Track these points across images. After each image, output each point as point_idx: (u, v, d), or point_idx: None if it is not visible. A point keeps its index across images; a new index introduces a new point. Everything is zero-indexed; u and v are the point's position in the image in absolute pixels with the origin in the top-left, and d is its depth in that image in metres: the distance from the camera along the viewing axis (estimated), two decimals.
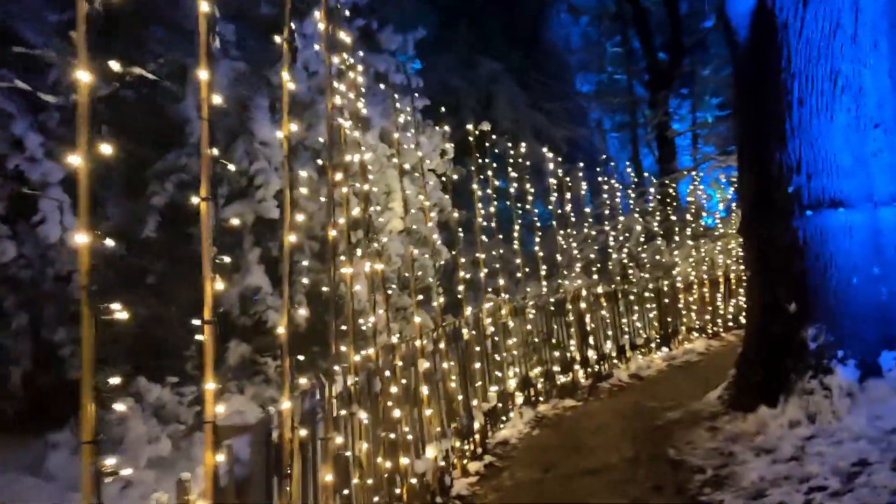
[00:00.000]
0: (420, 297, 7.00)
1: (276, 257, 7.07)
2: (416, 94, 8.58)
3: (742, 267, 16.13)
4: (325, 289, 4.57)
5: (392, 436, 4.88)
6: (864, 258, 6.40)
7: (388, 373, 4.97)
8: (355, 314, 5.32)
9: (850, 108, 6.46)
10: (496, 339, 7.72)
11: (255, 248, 7.13)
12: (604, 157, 13.95)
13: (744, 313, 16.08)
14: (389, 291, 6.42)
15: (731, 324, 14.78)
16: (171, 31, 8.25)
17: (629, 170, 13.94)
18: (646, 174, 14.98)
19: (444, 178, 7.83)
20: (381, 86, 7.68)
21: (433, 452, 5.52)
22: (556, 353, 9.25)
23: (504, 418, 7.69)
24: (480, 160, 7.88)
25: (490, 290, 7.85)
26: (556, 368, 9.18)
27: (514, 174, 8.96)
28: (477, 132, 7.90)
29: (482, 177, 7.91)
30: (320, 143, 6.53)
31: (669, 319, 12.74)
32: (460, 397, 6.42)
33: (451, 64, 19.42)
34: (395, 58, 8.81)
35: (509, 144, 8.98)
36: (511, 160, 9.00)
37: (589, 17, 24.71)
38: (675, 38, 20.45)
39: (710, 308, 14.18)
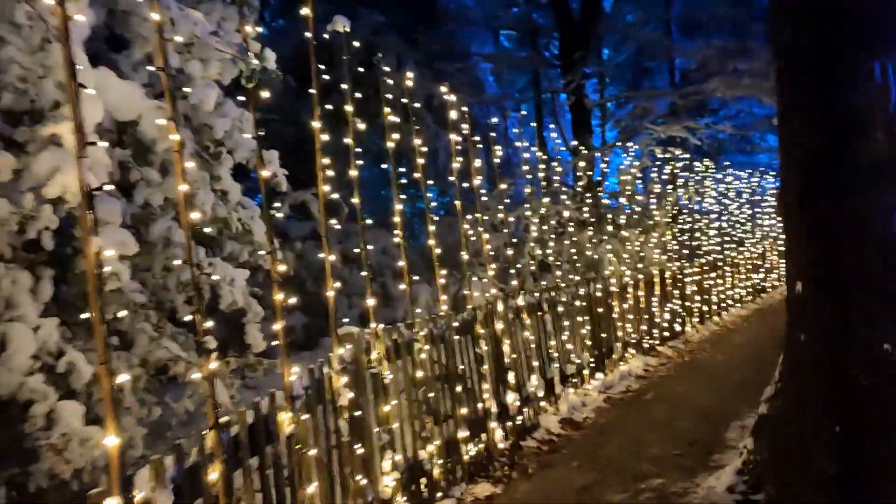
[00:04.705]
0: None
1: None
2: None
3: (680, 264, 13.31)
4: None
5: None
6: None
7: None
8: None
9: None
10: (357, 413, 4.19)
11: None
12: (520, 117, 10.53)
13: (678, 321, 13.34)
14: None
15: (665, 334, 11.91)
16: None
17: (558, 143, 10.65)
18: (572, 143, 11.80)
19: (241, 90, 3.81)
20: None
21: None
22: (464, 409, 5.81)
23: None
24: (328, 76, 4.37)
25: (345, 319, 4.30)
26: (463, 434, 5.75)
27: (393, 119, 5.44)
28: (324, 34, 4.35)
29: (332, 108, 4.38)
30: None
31: (604, 335, 9.62)
32: None
33: (326, 15, 15.89)
34: None
35: (387, 69, 5.44)
36: (391, 96, 5.49)
37: None
38: None
39: (645, 316, 11.21)
